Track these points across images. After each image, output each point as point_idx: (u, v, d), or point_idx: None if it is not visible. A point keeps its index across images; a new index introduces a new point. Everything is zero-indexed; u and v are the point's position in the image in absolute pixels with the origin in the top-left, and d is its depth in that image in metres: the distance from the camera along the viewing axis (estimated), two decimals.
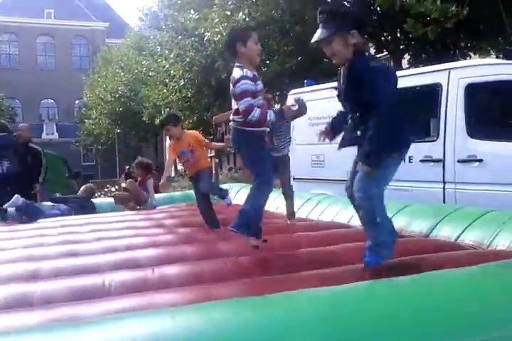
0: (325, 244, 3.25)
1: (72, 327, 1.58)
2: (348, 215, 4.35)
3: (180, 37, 16.42)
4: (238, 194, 6.91)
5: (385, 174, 2.49)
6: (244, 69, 2.88)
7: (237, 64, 2.96)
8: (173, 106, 18.71)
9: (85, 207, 6.17)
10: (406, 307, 1.77)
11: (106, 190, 16.20)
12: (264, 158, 3.06)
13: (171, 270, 2.71)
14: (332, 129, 2.72)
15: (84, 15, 43.43)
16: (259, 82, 2.96)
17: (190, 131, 4.63)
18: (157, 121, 23.20)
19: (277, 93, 16.83)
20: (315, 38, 2.40)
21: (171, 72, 17.15)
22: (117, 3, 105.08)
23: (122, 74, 28.72)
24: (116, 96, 29.06)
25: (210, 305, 1.77)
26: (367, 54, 3.76)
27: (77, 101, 42.36)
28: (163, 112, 21.54)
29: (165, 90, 18.73)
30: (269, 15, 13.10)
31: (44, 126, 40.57)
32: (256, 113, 2.84)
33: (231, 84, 2.96)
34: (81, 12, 43.46)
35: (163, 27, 17.66)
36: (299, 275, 2.58)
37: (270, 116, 2.91)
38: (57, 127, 41.48)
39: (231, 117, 3.05)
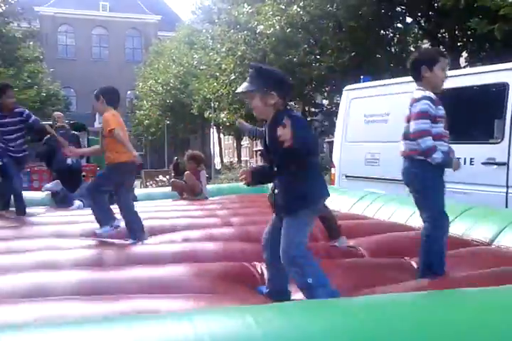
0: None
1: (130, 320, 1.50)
2: (405, 214, 4.29)
3: (232, 31, 16.51)
4: None
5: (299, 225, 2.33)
6: (427, 91, 2.73)
7: (418, 87, 2.81)
8: (223, 99, 18.87)
9: None
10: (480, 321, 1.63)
11: (157, 179, 16.60)
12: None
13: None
14: (255, 174, 2.46)
15: (138, 8, 44.31)
16: (441, 108, 2.73)
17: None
18: (206, 114, 23.64)
19: (327, 88, 16.69)
20: (239, 89, 2.46)
21: (223, 65, 17.28)
22: None
23: (173, 66, 29.17)
24: (167, 88, 29.58)
25: (291, 306, 1.72)
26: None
27: (128, 92, 43.38)
28: (212, 105, 21.82)
29: (215, 84, 18.91)
30: (324, 10, 12.98)
31: (97, 116, 41.79)
32: (428, 142, 2.63)
33: (409, 107, 2.79)
34: (135, 5, 44.35)
35: (216, 21, 17.80)
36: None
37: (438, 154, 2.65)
38: None
39: (403, 144, 2.81)
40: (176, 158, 25.81)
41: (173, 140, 35.34)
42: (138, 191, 7.50)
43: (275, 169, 2.37)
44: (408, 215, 4.20)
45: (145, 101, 33.05)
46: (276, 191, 2.40)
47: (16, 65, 21.14)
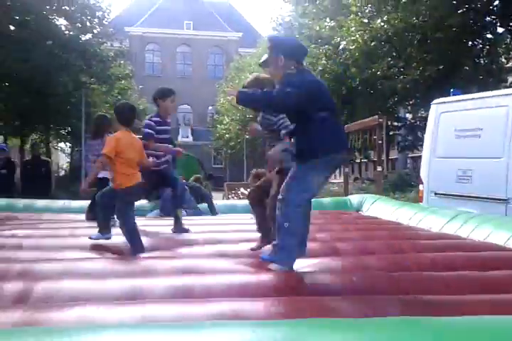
0: (484, 268, 3.03)
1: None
2: (503, 237, 4.01)
3: (313, 45, 16.60)
4: (373, 206, 6.75)
5: (307, 176, 2.68)
6: None
7: None
8: None
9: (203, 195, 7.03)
10: None
11: (239, 191, 16.96)
12: None
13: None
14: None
15: (220, 26, 45.89)
16: None
17: None
18: None
19: (411, 102, 16.21)
20: (261, 60, 3.00)
21: None
22: (251, 14, 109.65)
23: None
24: None
25: (370, 321, 1.72)
26: None
27: (210, 108, 44.83)
28: None
29: None
30: (409, 22, 12.68)
31: (180, 130, 43.55)
32: None
33: None
34: (217, 23, 45.98)
35: (297, 36, 17.97)
36: (462, 299, 2.43)
37: None
38: (192, 131, 44.30)
39: None
40: (254, 170, 26.28)
41: (252, 154, 35.87)
42: (222, 202, 7.68)
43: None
44: (506, 238, 3.92)
45: (225, 116, 33.94)
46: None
47: (108, 82, 22.54)
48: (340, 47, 14.38)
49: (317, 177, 2.75)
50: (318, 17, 16.23)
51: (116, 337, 1.53)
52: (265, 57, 2.82)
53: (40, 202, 7.48)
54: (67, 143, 32.49)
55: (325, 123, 2.72)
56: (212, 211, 7.03)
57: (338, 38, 14.35)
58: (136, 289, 2.52)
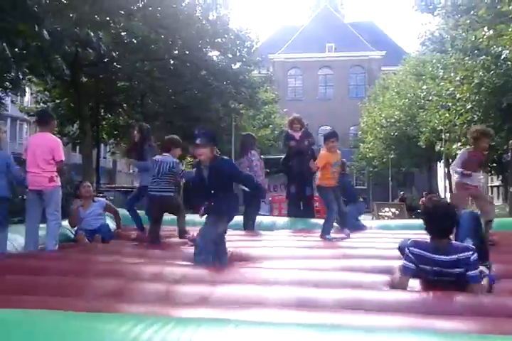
0: None
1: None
2: None
3: (467, 58, 15.52)
4: None
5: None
6: None
7: None
8: (455, 130, 17.71)
9: None
10: None
11: (387, 211, 16.45)
12: None
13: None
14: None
15: (362, 46, 45.54)
16: None
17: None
18: (437, 147, 22.50)
19: None
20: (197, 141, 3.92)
21: (457, 95, 16.29)
22: (395, 31, 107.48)
23: (398, 99, 28.82)
24: (392, 121, 29.27)
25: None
26: None
27: (351, 128, 44.39)
28: (443, 136, 20.65)
29: (447, 114, 17.90)
30: None
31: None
32: None
33: None
34: (359, 43, 45.72)
35: (449, 49, 16.98)
36: None
37: None
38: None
39: None
40: (402, 192, 25.14)
41: (397, 174, 34.48)
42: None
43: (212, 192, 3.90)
44: None
45: (369, 135, 33.31)
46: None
47: (255, 106, 23.62)
48: (502, 56, 13.19)
49: None
50: (473, 27, 15.15)
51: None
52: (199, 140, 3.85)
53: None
54: None
55: None
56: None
57: (500, 47, 13.19)
58: None
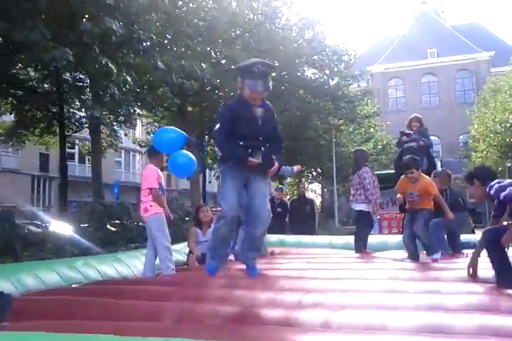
0: None
1: None
2: None
3: None
4: None
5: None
6: None
7: None
8: None
9: None
10: None
11: None
12: None
13: None
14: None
15: (468, 48, 43.03)
16: None
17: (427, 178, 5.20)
18: None
19: None
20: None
21: None
22: (502, 30, 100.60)
23: None
24: (507, 125, 27.11)
25: None
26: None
27: (460, 137, 41.84)
28: None
29: None
30: None
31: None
32: None
33: None
34: (464, 45, 43.29)
35: None
36: None
37: None
38: (442, 163, 41.82)
39: None
40: None
41: None
42: None
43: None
44: None
45: (481, 143, 31.07)
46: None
47: (355, 121, 23.23)
48: None
49: None
50: None
51: None
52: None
53: (308, 238, 7.89)
54: (319, 184, 34.41)
55: None
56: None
57: None
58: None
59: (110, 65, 7.27)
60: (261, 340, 2.14)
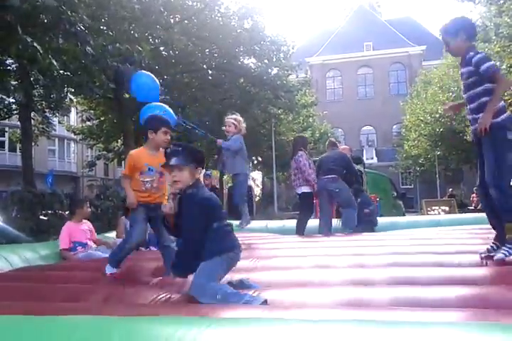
0: None
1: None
2: None
3: None
4: None
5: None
6: None
7: None
8: None
9: None
10: None
11: (436, 208, 15.97)
12: None
13: None
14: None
15: (401, 42, 44.67)
16: None
17: None
18: None
19: None
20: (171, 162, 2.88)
21: None
22: (434, 25, 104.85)
23: (441, 94, 28.04)
24: (436, 116, 28.50)
25: None
26: None
27: (394, 127, 43.57)
28: None
29: None
30: None
31: (364, 152, 43.13)
32: None
33: None
34: (398, 39, 44.88)
35: (493, 37, 16.41)
36: None
37: None
38: (376, 152, 43.43)
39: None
40: (450, 189, 24.40)
41: (445, 171, 33.48)
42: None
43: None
44: None
45: (413, 132, 32.51)
46: None
47: (294, 110, 23.58)
48: None
49: None
50: None
51: None
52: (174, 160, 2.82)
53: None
54: (259, 172, 34.82)
55: None
56: None
57: None
58: None
59: (36, 45, 6.87)
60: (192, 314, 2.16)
